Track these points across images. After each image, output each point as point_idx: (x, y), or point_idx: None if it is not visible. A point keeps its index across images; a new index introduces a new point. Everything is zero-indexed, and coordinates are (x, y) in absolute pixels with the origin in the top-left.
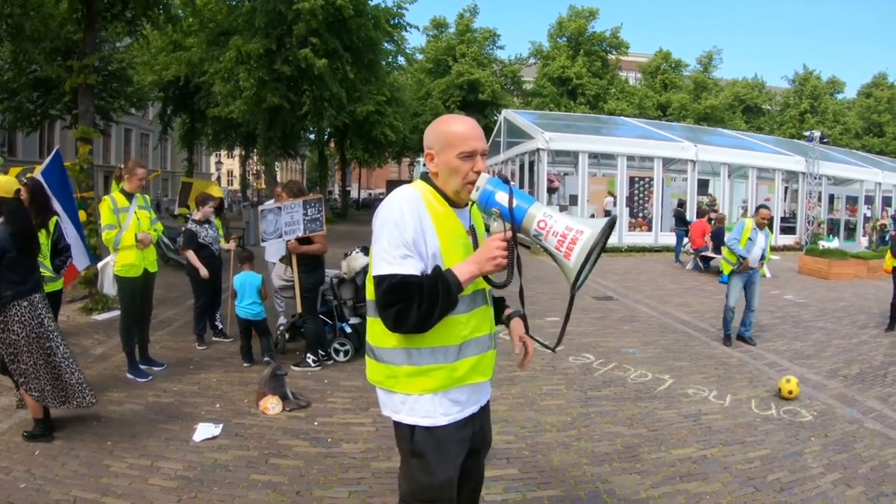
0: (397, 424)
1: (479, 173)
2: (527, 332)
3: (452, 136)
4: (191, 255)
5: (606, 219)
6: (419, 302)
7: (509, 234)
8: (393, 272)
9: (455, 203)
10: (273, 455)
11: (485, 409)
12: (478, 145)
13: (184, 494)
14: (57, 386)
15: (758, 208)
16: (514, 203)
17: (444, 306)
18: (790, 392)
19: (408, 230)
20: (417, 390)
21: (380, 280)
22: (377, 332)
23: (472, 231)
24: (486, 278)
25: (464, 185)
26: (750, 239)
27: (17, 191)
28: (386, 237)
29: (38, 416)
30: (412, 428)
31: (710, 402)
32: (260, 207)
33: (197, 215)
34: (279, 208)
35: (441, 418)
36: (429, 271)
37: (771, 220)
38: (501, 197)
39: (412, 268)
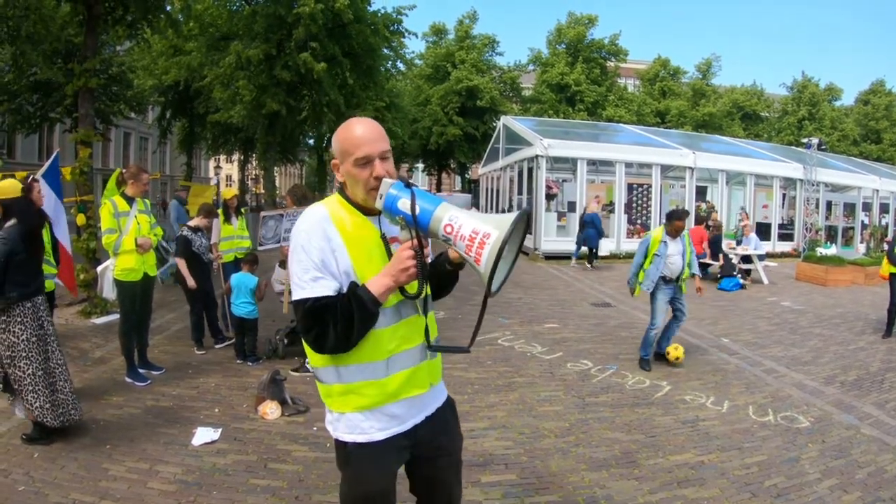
0: (335, 439)
1: (379, 179)
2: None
3: (348, 143)
4: (181, 264)
5: (514, 214)
6: (334, 322)
7: (415, 241)
8: (306, 296)
9: (370, 211)
10: (272, 460)
11: (436, 417)
12: (372, 150)
13: (182, 498)
14: (56, 402)
15: (669, 216)
16: (417, 209)
17: (362, 323)
18: (676, 358)
19: (314, 252)
20: (349, 408)
21: (296, 306)
22: (310, 352)
23: (383, 238)
24: (401, 290)
25: (368, 193)
26: (657, 255)
27: (23, 190)
28: (296, 263)
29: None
30: (345, 443)
31: (708, 408)
32: (262, 213)
33: (194, 222)
34: (281, 215)
35: (377, 434)
36: (344, 289)
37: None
38: (404, 203)
39: (325, 289)
